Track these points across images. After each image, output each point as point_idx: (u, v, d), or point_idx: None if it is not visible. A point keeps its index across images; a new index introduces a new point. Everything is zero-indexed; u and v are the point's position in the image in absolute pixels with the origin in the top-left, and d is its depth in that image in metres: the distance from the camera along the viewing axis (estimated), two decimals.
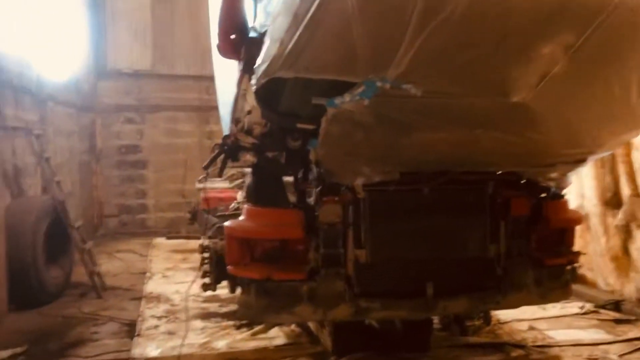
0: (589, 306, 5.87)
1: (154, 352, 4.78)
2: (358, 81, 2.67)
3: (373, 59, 2.51)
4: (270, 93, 3.05)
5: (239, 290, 4.28)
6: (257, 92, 3.00)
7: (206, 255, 5.01)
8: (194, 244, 10.22)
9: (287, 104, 3.15)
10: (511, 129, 2.97)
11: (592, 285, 6.40)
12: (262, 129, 3.27)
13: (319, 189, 3.66)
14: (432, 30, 2.27)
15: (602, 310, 5.79)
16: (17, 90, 7.04)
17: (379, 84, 2.63)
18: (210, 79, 11.27)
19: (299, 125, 3.15)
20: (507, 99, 2.60)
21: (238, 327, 5.39)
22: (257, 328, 5.22)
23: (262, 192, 3.70)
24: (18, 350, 4.79)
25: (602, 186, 6.21)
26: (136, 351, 4.80)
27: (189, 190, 11.33)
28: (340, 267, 3.72)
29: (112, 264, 8.53)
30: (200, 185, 9.15)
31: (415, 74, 2.54)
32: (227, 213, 6.13)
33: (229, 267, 3.86)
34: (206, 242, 5.10)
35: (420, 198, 3.75)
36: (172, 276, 7.64)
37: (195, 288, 6.89)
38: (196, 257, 9.05)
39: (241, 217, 3.85)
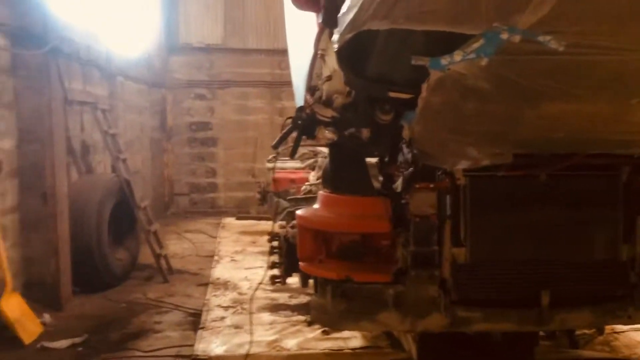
0: None
1: (218, 349, 4.35)
2: (476, 33, 1.99)
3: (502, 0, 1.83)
4: (357, 53, 2.41)
5: (311, 283, 3.80)
6: (339, 52, 2.37)
7: (275, 244, 4.50)
8: (264, 225, 9.87)
9: (377, 67, 2.50)
10: None
11: None
12: (344, 99, 2.65)
13: (410, 173, 3.02)
14: None
15: None
16: (85, 64, 6.77)
17: (505, 36, 1.95)
18: (283, 53, 10.85)
19: (392, 94, 2.50)
20: None
21: (309, 324, 4.88)
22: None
23: (342, 176, 3.10)
24: (77, 340, 4.49)
25: None
26: (200, 347, 4.38)
27: (259, 169, 10.95)
28: (433, 268, 3.08)
29: (180, 245, 8.25)
30: (270, 165, 8.70)
31: (561, 20, 1.83)
32: (298, 197, 5.60)
33: (301, 264, 3.30)
34: (276, 229, 4.59)
35: (535, 186, 3.02)
36: (241, 261, 7.24)
37: (264, 275, 6.47)
38: (266, 240, 8.70)
39: (316, 205, 3.27)
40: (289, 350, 4.33)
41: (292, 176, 7.24)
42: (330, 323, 3.25)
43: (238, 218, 10.46)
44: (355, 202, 3.06)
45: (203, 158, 11.23)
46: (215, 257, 7.41)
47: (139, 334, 4.72)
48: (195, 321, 5.03)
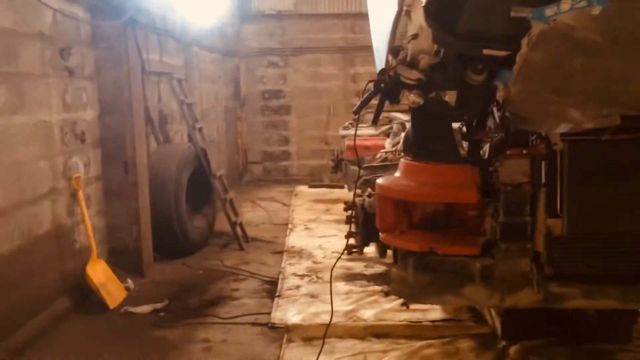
0: None
1: (295, 317, 4.32)
2: None
3: None
4: (446, 7, 2.20)
5: (390, 254, 3.67)
6: (427, 7, 2.18)
7: (352, 213, 4.38)
8: (337, 193, 9.82)
9: (469, 22, 2.27)
10: None
11: None
12: (431, 59, 2.45)
13: (500, 138, 2.80)
14: None
15: None
16: (161, 34, 6.83)
17: None
18: (355, 16, 10.62)
19: (486, 52, 2.27)
20: None
21: (386, 294, 4.77)
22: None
23: (426, 143, 2.91)
24: (159, 305, 4.60)
25: None
26: (276, 315, 4.38)
27: (332, 137, 10.83)
28: (525, 240, 2.86)
29: (255, 213, 8.33)
30: (344, 132, 8.56)
31: None
32: (374, 164, 5.45)
33: (381, 235, 3.17)
34: (352, 198, 4.46)
35: None
36: (315, 229, 7.20)
37: (338, 244, 6.42)
38: (339, 209, 8.62)
39: (397, 174, 3.11)
40: (365, 320, 4.24)
41: (367, 143, 7.08)
42: (412, 296, 3.11)
43: (311, 186, 10.45)
44: (441, 170, 2.87)
45: (276, 126, 11.24)
46: (289, 225, 7.42)
47: (217, 301, 4.78)
48: (271, 289, 5.04)
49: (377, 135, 8.14)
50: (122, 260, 5.31)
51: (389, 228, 3.13)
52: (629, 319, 3.59)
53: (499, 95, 2.32)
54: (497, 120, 2.69)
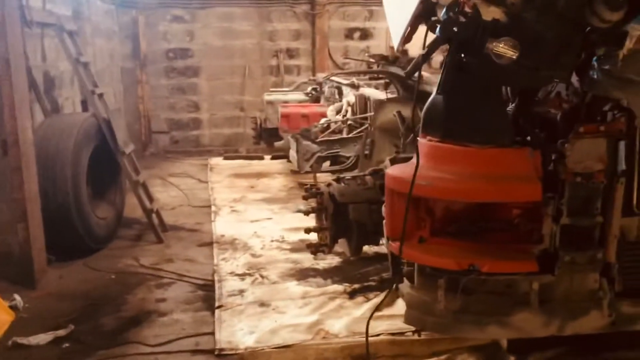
0: None
1: (247, 339, 3.37)
2: None
3: None
4: None
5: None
6: None
7: (314, 204, 3.49)
8: (257, 165, 8.83)
9: None
10: None
11: None
12: None
13: (571, 110, 2.00)
14: None
15: None
16: None
17: None
18: None
19: None
20: None
21: (351, 295, 3.96)
22: (379, 298, 3.77)
23: (468, 117, 2.05)
24: (61, 332, 3.45)
25: None
26: (222, 337, 3.40)
27: (249, 102, 9.75)
28: (595, 249, 2.13)
29: (168, 193, 7.14)
30: (270, 97, 7.56)
31: None
32: (331, 138, 4.54)
33: (391, 244, 2.31)
34: (315, 184, 3.57)
35: None
36: (243, 212, 6.18)
37: (275, 229, 5.50)
38: (265, 185, 7.67)
39: (415, 160, 2.23)
40: (337, 336, 3.39)
41: (304, 111, 6.16)
42: (439, 327, 2.30)
43: (226, 157, 9.35)
44: (489, 155, 2.04)
45: (183, 90, 9.88)
46: (213, 208, 6.34)
47: (140, 319, 3.71)
48: (207, 296, 4.04)
49: (308, 101, 7.24)
50: (6, 270, 4.08)
51: (401, 235, 2.27)
52: None
53: (629, 45, 1.49)
54: (587, 81, 1.88)
